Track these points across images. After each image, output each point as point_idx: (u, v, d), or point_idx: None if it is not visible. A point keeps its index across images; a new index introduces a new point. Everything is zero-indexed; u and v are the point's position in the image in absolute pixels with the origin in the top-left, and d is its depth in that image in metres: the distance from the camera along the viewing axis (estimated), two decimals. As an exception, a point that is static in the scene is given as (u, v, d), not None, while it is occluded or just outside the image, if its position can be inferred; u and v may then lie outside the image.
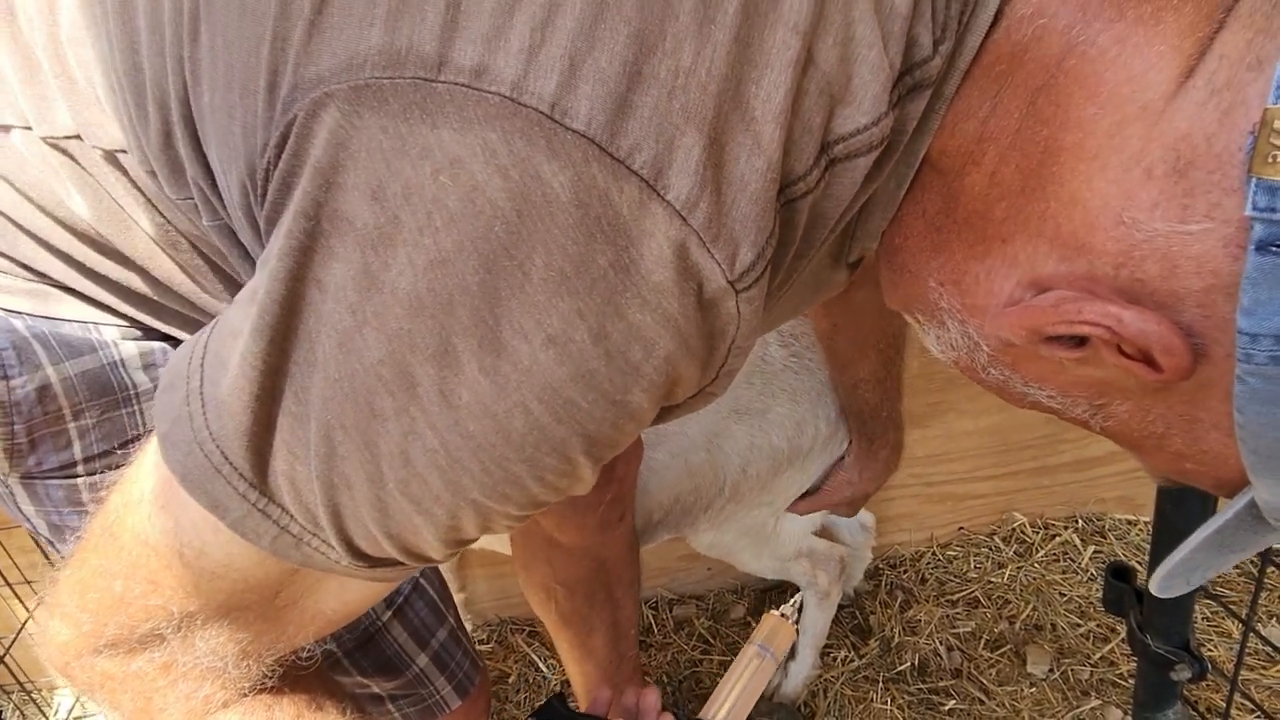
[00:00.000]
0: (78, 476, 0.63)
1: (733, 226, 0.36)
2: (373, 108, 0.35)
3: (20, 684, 1.70)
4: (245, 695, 0.51)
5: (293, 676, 0.53)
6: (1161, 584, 0.46)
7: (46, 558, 1.41)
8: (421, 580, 0.92)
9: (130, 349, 0.62)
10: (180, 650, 0.47)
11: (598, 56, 0.34)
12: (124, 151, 0.50)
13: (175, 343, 0.64)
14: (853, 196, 0.40)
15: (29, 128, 0.52)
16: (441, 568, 1.18)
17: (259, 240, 0.43)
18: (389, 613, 0.88)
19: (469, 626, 1.70)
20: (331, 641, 0.81)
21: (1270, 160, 0.32)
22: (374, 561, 0.44)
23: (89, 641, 0.47)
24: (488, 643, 1.71)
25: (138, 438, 0.63)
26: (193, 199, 0.48)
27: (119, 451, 0.64)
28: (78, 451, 0.62)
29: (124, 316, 0.61)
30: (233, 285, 0.57)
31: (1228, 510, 0.41)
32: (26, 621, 1.45)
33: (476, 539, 0.45)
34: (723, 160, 0.35)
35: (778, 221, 0.38)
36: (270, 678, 0.51)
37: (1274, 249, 0.32)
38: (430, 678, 0.97)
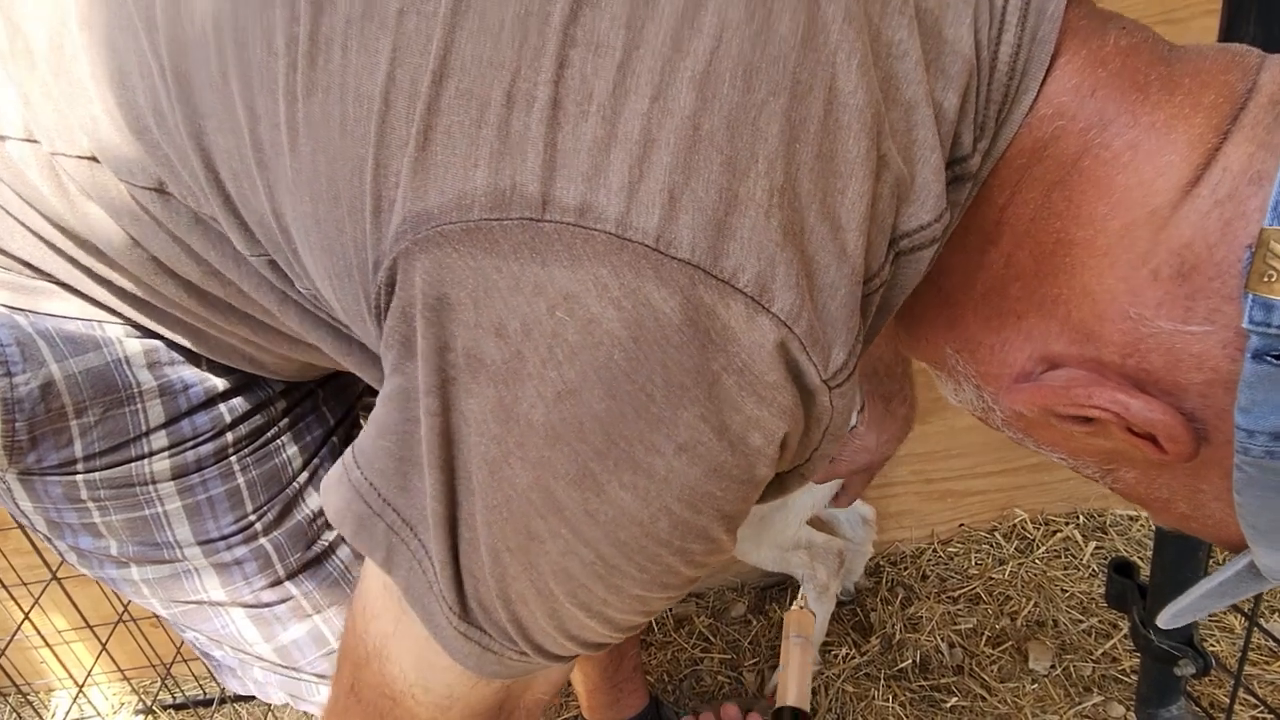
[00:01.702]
0: (77, 474, 0.63)
1: (826, 330, 0.38)
2: (485, 249, 0.36)
3: (17, 686, 1.69)
4: None
5: None
6: (1169, 621, 0.49)
7: (43, 559, 1.40)
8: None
9: (135, 346, 0.62)
10: None
11: (694, 186, 0.34)
12: (155, 189, 0.50)
13: (174, 345, 0.64)
14: (916, 283, 0.42)
15: (34, 140, 0.51)
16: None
17: (374, 338, 0.45)
18: None
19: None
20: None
21: (1266, 279, 0.34)
22: (563, 657, 0.48)
23: None
24: (487, 642, 1.70)
25: (139, 437, 0.63)
26: (267, 255, 0.49)
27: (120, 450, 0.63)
28: (78, 449, 0.61)
29: (123, 318, 0.61)
30: (236, 307, 0.57)
31: (1229, 568, 0.44)
32: (22, 623, 1.44)
33: (646, 623, 0.48)
34: (814, 270, 0.37)
35: (861, 320, 0.40)
36: None
37: (1269, 359, 0.34)
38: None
